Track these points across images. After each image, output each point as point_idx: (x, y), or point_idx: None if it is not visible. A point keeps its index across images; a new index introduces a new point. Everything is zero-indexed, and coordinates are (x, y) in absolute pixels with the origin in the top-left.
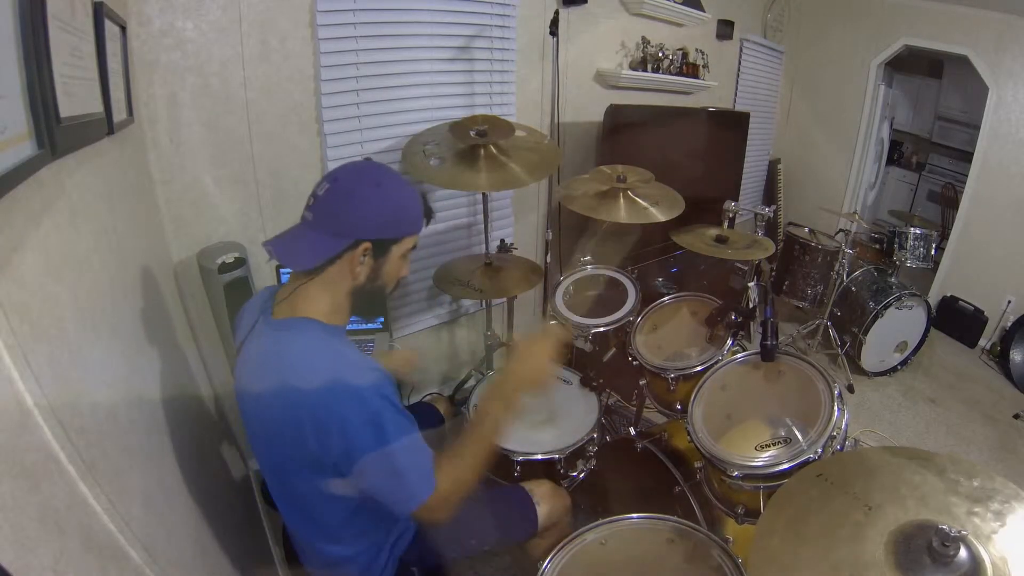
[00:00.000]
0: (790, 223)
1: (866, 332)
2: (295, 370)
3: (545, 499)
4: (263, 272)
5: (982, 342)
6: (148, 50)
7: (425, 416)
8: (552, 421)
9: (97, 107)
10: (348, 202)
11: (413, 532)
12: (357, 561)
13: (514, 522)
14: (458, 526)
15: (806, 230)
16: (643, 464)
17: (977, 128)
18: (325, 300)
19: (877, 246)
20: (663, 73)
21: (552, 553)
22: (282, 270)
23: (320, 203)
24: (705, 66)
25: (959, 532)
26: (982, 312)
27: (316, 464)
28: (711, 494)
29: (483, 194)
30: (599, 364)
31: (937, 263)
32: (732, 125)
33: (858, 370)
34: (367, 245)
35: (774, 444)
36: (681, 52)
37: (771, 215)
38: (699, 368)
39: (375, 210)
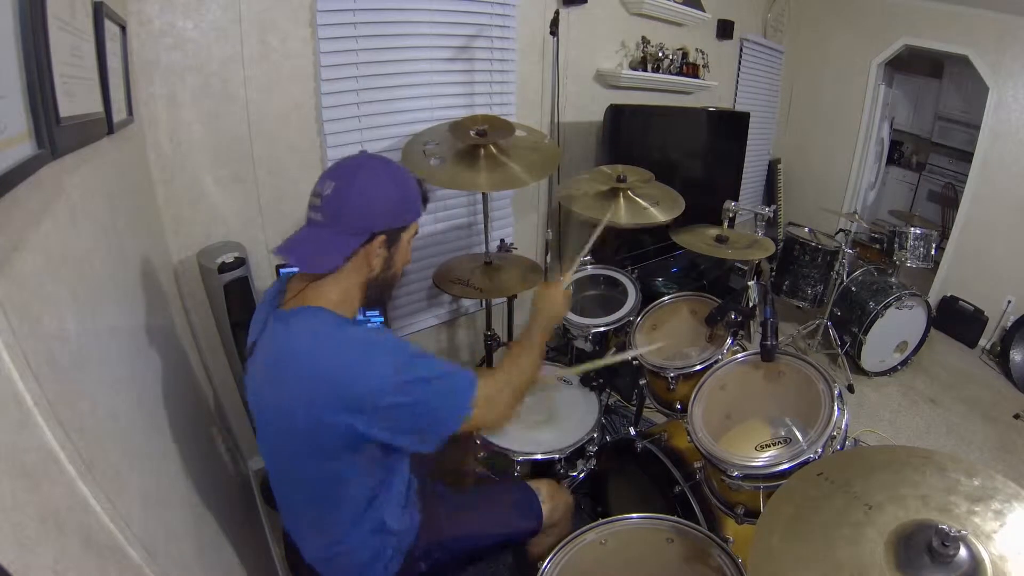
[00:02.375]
0: (790, 223)
1: (866, 332)
2: (310, 349)
3: (549, 497)
4: (263, 272)
5: (982, 342)
6: (148, 50)
7: None
8: (552, 421)
9: (97, 107)
10: (359, 198)
11: (418, 527)
12: (362, 553)
13: (519, 518)
14: (463, 520)
15: (806, 230)
16: (643, 464)
17: (977, 128)
18: (335, 292)
19: (877, 246)
20: (663, 73)
21: (552, 553)
22: (281, 269)
23: (330, 202)
24: (705, 66)
25: (959, 532)
26: (982, 312)
27: (334, 447)
28: (711, 494)
29: (483, 194)
30: None
31: (937, 263)
32: (732, 125)
33: (858, 370)
34: (383, 237)
35: (774, 444)
36: (681, 52)
37: (771, 215)
38: (699, 368)
39: (384, 201)
